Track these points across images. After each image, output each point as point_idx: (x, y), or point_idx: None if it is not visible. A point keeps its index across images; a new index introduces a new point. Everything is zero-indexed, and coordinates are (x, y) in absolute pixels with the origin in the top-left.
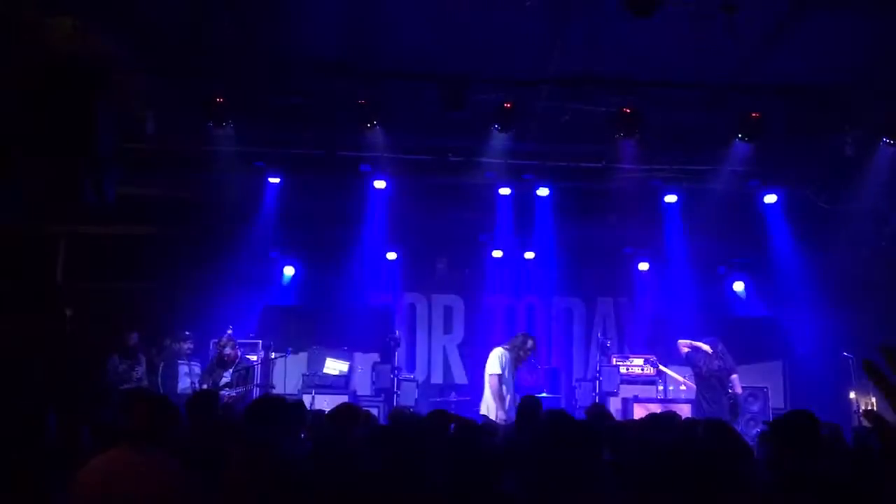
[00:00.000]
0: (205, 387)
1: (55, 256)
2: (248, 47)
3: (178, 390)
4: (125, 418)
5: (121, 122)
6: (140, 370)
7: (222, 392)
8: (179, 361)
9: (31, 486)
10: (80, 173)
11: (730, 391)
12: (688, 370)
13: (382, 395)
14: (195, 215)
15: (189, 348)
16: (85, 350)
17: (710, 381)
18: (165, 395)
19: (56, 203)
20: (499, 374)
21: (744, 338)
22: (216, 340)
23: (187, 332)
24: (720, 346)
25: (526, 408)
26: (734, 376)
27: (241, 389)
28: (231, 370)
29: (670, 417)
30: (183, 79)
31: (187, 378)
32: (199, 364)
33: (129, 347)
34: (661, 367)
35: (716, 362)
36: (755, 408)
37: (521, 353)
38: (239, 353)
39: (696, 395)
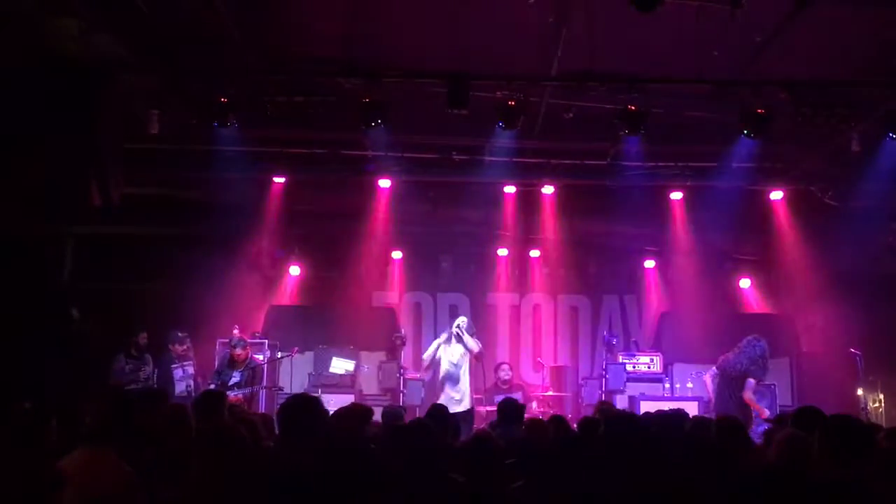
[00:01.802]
0: (212, 387)
1: (61, 257)
2: (251, 46)
3: (175, 394)
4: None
5: (125, 122)
6: (147, 370)
7: (229, 392)
8: (173, 366)
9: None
10: (85, 174)
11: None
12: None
13: (389, 394)
14: (200, 215)
15: (183, 350)
16: (91, 351)
17: (727, 376)
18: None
19: (61, 204)
20: (429, 359)
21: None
22: (225, 340)
23: (180, 334)
24: (754, 349)
25: (507, 409)
26: (748, 380)
27: (248, 390)
28: (241, 370)
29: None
30: (187, 79)
31: (182, 383)
32: (192, 364)
33: (139, 348)
34: None
35: (731, 356)
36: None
37: (452, 332)
38: (249, 353)
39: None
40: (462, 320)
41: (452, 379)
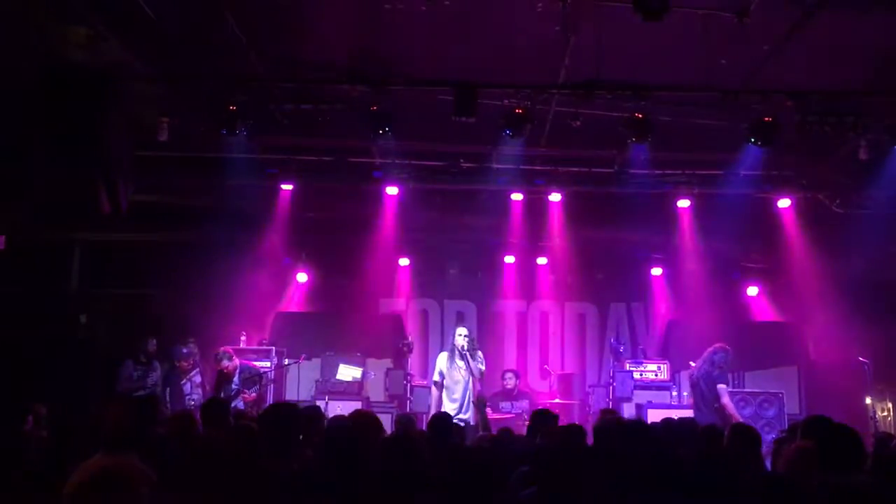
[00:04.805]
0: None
1: (70, 263)
2: (260, 54)
3: (187, 407)
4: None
5: (134, 129)
6: (154, 377)
7: (236, 402)
8: (182, 382)
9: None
10: (94, 181)
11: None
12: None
13: (395, 401)
14: (208, 222)
15: (189, 365)
16: (99, 357)
17: (698, 388)
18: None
19: (70, 210)
20: (434, 382)
21: (758, 343)
22: (215, 354)
23: (184, 350)
24: (712, 355)
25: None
26: (719, 387)
27: (251, 391)
28: (236, 378)
29: (688, 423)
30: (196, 86)
31: (192, 395)
32: (198, 373)
33: (147, 354)
34: None
35: (696, 369)
36: (770, 413)
37: (457, 346)
38: (237, 362)
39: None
40: (464, 339)
41: (453, 392)
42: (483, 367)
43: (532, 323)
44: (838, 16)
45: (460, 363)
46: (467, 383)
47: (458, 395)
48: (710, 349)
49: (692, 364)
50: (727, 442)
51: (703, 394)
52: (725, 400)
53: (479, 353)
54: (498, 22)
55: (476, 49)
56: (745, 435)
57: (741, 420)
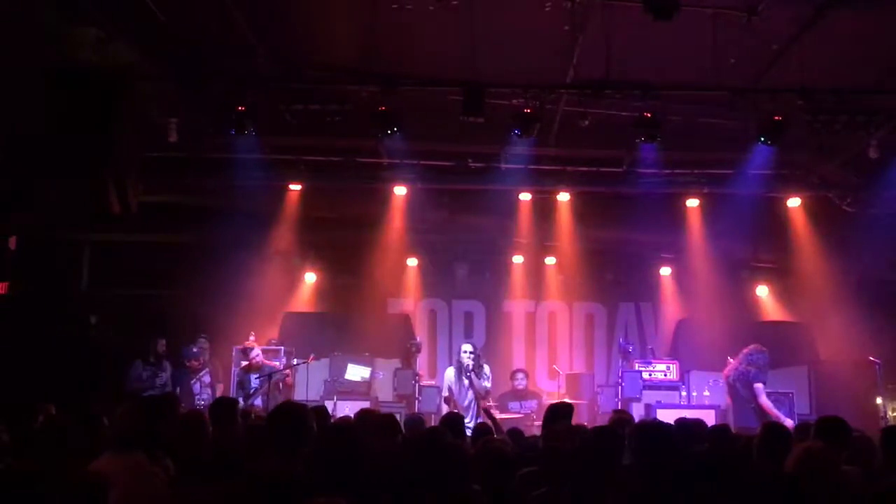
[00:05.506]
0: (241, 401)
1: (80, 264)
2: (269, 55)
3: (196, 406)
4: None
5: (143, 130)
6: (164, 377)
7: (255, 401)
8: (192, 381)
9: None
10: (103, 181)
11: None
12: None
13: (404, 401)
14: (217, 222)
15: (199, 364)
16: (109, 356)
17: (734, 388)
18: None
19: (80, 211)
20: (445, 398)
21: (768, 343)
22: (240, 348)
23: (195, 349)
24: (748, 356)
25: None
26: (756, 386)
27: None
28: (257, 375)
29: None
30: (204, 87)
31: (202, 394)
32: (207, 373)
33: (157, 354)
34: None
35: (733, 369)
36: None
37: (462, 363)
38: (262, 358)
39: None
40: (469, 357)
41: (466, 417)
42: (489, 385)
43: (540, 323)
44: (848, 14)
45: (466, 382)
46: (475, 402)
47: (469, 421)
48: (747, 350)
49: (730, 360)
50: (757, 441)
51: (740, 394)
52: (762, 399)
53: (486, 367)
54: (506, 21)
55: (484, 49)
56: (775, 434)
57: (781, 419)
